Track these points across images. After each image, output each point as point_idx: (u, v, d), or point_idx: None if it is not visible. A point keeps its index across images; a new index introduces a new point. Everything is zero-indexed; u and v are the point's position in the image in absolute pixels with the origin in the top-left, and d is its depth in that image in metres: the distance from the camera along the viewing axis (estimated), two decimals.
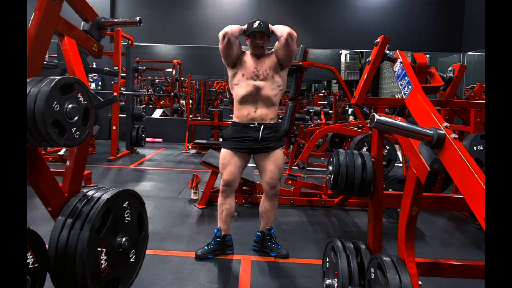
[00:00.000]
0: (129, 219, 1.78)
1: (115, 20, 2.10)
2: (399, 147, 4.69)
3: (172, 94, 9.54)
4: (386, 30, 8.42)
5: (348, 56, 17.22)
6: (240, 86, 2.53)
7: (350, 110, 9.16)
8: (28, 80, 1.41)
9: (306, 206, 3.89)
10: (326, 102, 9.20)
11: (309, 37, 8.60)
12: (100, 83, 8.83)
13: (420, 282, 1.41)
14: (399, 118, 1.47)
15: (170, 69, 9.88)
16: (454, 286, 2.27)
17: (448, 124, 1.30)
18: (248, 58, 2.55)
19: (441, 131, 1.26)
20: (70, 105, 1.45)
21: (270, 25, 2.54)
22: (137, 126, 6.76)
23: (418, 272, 1.45)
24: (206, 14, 8.79)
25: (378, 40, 2.06)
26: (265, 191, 2.62)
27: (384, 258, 1.47)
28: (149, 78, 14.13)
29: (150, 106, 12.25)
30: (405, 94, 1.69)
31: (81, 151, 1.86)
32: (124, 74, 6.91)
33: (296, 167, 4.48)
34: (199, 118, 10.64)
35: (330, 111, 7.50)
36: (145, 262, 1.96)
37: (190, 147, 7.48)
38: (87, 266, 1.53)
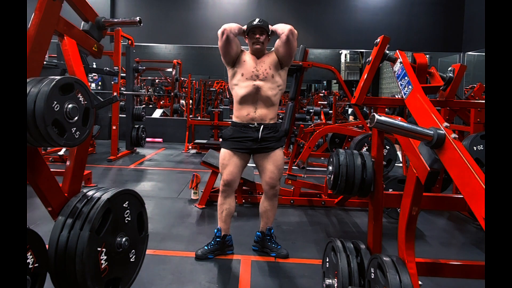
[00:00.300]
0: (129, 219, 1.78)
1: (115, 20, 2.09)
2: (399, 147, 4.69)
3: (172, 94, 9.54)
4: (386, 30, 8.42)
5: (348, 56, 17.22)
6: (239, 86, 2.53)
7: (350, 110, 9.17)
8: (28, 80, 1.41)
9: (306, 206, 3.89)
10: (326, 102, 9.20)
11: (309, 37, 8.60)
12: (100, 83, 8.83)
13: (420, 282, 1.41)
14: (399, 118, 1.47)
15: (170, 69, 9.88)
16: (454, 286, 2.27)
17: (448, 124, 1.30)
18: (247, 58, 2.55)
19: (441, 131, 1.26)
20: (70, 105, 1.44)
21: (270, 26, 2.55)
22: (137, 126, 6.76)
23: (418, 272, 1.45)
24: (206, 14, 8.79)
25: (378, 40, 2.06)
26: (265, 191, 2.62)
27: (384, 258, 1.47)
28: (149, 78, 14.13)
29: (150, 106, 12.25)
30: (405, 94, 1.69)
31: (81, 151, 1.86)
32: (124, 74, 6.91)
33: (296, 167, 4.48)
34: (199, 118, 10.63)
35: (330, 111, 7.50)
36: (145, 262, 1.96)
37: (190, 147, 7.48)
38: (87, 266, 1.53)
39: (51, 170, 1.72)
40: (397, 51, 1.98)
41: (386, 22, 8.70)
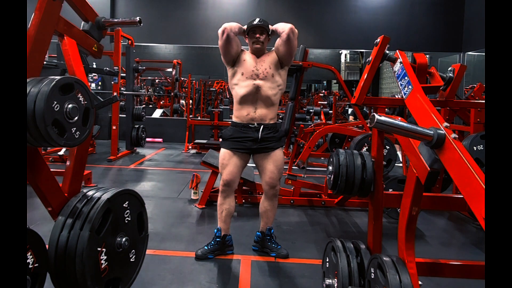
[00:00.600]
0: (129, 219, 1.78)
1: (115, 20, 2.09)
2: (399, 147, 4.69)
3: (172, 94, 9.54)
4: (386, 30, 8.42)
5: (348, 56, 17.22)
6: (240, 86, 2.53)
7: (350, 110, 9.16)
8: (28, 80, 1.41)
9: (306, 206, 3.89)
10: (326, 102, 9.19)
11: (309, 37, 8.60)
12: (100, 83, 8.83)
13: (420, 282, 1.41)
14: (399, 118, 1.47)
15: (170, 69, 9.88)
16: (454, 286, 2.27)
17: (448, 124, 1.29)
18: (247, 57, 2.55)
19: (441, 131, 1.26)
20: (70, 105, 1.44)
21: (270, 25, 2.56)
22: (137, 126, 6.76)
23: (418, 272, 1.45)
24: (206, 14, 8.79)
25: (378, 40, 2.06)
26: (265, 191, 2.62)
27: (384, 258, 1.47)
28: (149, 78, 14.13)
29: (150, 106, 12.25)
30: (405, 94, 1.69)
31: (81, 151, 1.86)
32: (124, 74, 6.91)
33: (296, 167, 4.48)
34: (199, 118, 10.64)
35: (330, 111, 7.50)
36: (145, 262, 1.96)
37: (190, 147, 7.48)
38: (87, 266, 1.53)
39: (51, 170, 1.72)
40: (397, 51, 1.98)
41: (386, 22, 8.70)
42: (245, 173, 3.47)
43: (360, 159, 1.97)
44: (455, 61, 8.98)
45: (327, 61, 16.22)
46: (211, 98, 13.17)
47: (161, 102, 12.02)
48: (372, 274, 1.53)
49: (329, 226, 3.40)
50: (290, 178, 3.82)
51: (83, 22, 2.00)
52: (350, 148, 3.91)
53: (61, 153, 5.68)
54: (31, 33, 1.59)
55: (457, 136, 1.24)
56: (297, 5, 8.85)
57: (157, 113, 9.65)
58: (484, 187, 1.05)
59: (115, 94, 5.85)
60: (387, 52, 2.07)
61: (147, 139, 7.60)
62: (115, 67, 6.04)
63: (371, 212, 1.90)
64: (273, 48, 2.57)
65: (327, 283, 1.83)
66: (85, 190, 1.76)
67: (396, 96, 3.65)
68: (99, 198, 1.65)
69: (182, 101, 10.54)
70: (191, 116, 9.77)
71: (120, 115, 6.47)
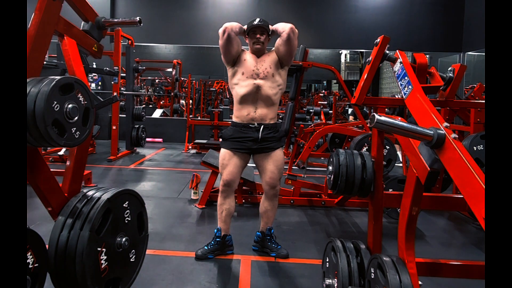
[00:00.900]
0: (129, 219, 1.78)
1: (115, 20, 2.09)
2: (399, 147, 4.69)
3: (172, 94, 9.54)
4: (386, 30, 8.42)
5: (348, 56, 17.21)
6: (240, 86, 2.53)
7: (350, 110, 9.16)
8: (28, 80, 1.41)
9: (306, 206, 3.89)
10: (326, 102, 9.19)
11: (309, 37, 8.60)
12: (100, 83, 8.83)
13: (420, 282, 1.41)
14: (399, 118, 1.47)
15: (170, 69, 9.88)
16: (454, 286, 2.27)
17: (448, 124, 1.30)
18: (248, 57, 2.55)
19: (441, 131, 1.26)
20: (70, 105, 1.44)
21: (270, 25, 2.56)
22: (137, 126, 6.76)
23: (418, 272, 1.45)
24: (206, 14, 8.79)
25: (378, 40, 2.06)
26: (265, 191, 2.62)
27: (384, 258, 1.47)
28: (149, 78, 14.13)
29: (150, 106, 12.25)
30: (405, 94, 1.69)
31: (81, 151, 1.86)
32: (124, 74, 6.91)
33: (296, 167, 4.48)
34: (199, 118, 10.64)
35: (330, 111, 7.50)
36: (145, 262, 1.96)
37: (190, 147, 7.48)
38: (87, 266, 1.53)
39: (51, 170, 1.72)
40: (397, 51, 1.98)
41: (386, 22, 8.69)
42: (245, 173, 3.47)
43: (360, 159, 1.97)
44: (455, 61, 8.98)
45: (327, 61, 16.22)
46: (211, 98, 13.17)
47: (161, 102, 12.02)
48: (372, 274, 1.53)
49: (329, 226, 3.40)
50: (290, 178, 3.82)
51: (83, 22, 2.00)
52: (350, 148, 3.91)
53: (61, 153, 5.68)
54: (31, 33, 1.59)
55: (457, 136, 1.24)
56: (297, 5, 8.85)
57: (157, 113, 9.65)
58: (484, 187, 1.05)
59: (115, 94, 5.85)
60: (387, 52, 2.07)
61: (147, 139, 7.60)
62: (115, 67, 6.04)
63: (371, 212, 1.90)
64: (273, 48, 2.57)
65: (327, 283, 1.83)
66: (85, 190, 1.76)
67: (396, 96, 3.65)
68: (99, 198, 1.65)
69: (182, 101, 10.55)
70: (191, 116, 9.77)
71: (120, 115, 6.46)
